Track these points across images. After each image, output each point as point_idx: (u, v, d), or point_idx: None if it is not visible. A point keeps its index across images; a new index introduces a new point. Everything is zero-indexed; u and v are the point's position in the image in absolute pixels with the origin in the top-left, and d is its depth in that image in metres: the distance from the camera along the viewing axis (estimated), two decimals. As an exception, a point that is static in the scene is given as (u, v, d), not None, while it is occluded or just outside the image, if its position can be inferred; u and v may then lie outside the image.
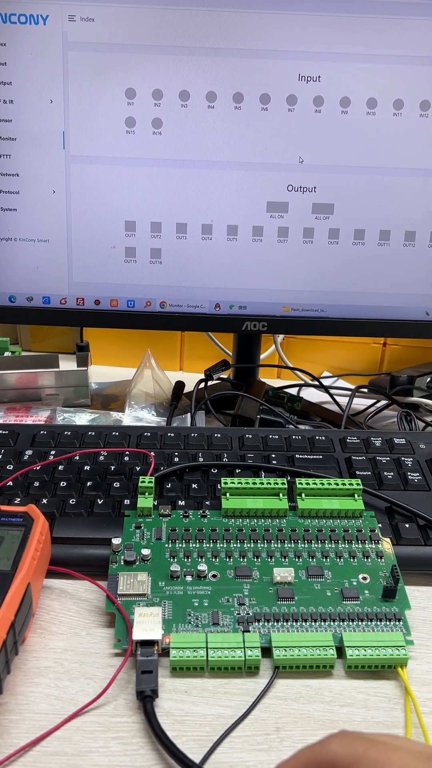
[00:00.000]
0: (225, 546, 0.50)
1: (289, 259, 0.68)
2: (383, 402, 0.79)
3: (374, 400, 0.80)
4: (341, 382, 0.86)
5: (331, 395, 0.78)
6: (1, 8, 0.61)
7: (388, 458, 0.60)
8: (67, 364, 0.78)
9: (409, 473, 0.58)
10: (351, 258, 0.68)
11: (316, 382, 0.80)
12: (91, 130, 0.64)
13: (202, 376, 0.75)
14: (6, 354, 0.78)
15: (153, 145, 0.65)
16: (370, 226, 0.67)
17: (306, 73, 0.63)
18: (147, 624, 0.43)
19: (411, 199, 0.66)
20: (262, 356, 0.83)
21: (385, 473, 0.58)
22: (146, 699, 0.39)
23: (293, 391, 0.81)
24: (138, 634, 0.42)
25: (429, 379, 0.79)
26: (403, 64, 0.62)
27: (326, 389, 0.79)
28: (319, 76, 0.63)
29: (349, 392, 0.76)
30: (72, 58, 0.62)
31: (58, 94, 0.63)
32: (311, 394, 0.82)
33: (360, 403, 0.80)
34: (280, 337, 0.86)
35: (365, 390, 0.80)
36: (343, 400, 0.75)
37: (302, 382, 0.83)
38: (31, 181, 0.66)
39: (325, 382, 0.83)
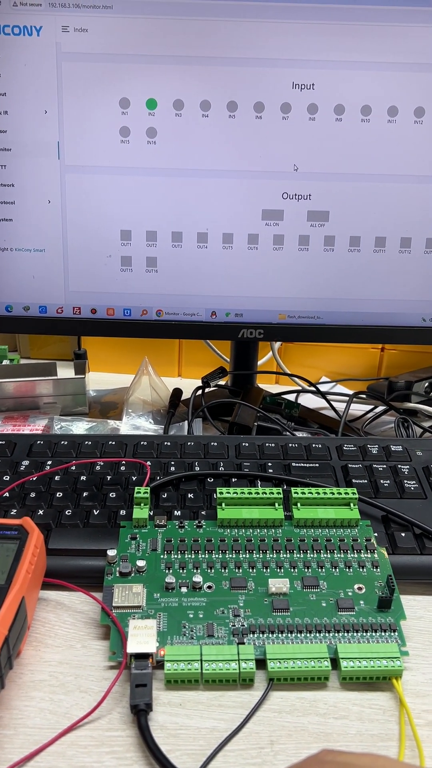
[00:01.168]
0: (220, 557, 0.50)
1: (285, 267, 0.68)
2: (381, 408, 0.78)
3: (372, 406, 0.80)
4: (339, 388, 0.86)
5: (328, 401, 0.78)
6: (-5, 20, 0.61)
7: (385, 466, 0.60)
8: (66, 371, 0.78)
9: (405, 481, 0.58)
10: (347, 265, 0.68)
11: (314, 388, 0.80)
12: (85, 140, 0.64)
13: (200, 383, 0.75)
14: (5, 362, 0.78)
15: (148, 154, 0.65)
16: (365, 233, 0.67)
17: (300, 80, 0.63)
18: (141, 637, 0.43)
19: (406, 206, 0.66)
20: (259, 362, 0.83)
21: (381, 481, 0.58)
22: (140, 713, 0.40)
23: (291, 397, 0.81)
24: (132, 647, 0.42)
25: (427, 384, 0.79)
26: (398, 70, 0.62)
27: (323, 395, 0.79)
28: (313, 84, 0.63)
29: (347, 398, 0.76)
30: (66, 68, 0.63)
31: (53, 104, 0.64)
32: (309, 400, 0.82)
33: (358, 408, 0.80)
34: (277, 344, 0.86)
35: (363, 396, 0.80)
36: (341, 406, 0.75)
37: (300, 388, 0.83)
38: (26, 191, 0.66)
39: (323, 388, 0.83)
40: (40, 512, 0.54)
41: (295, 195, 0.66)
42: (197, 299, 0.69)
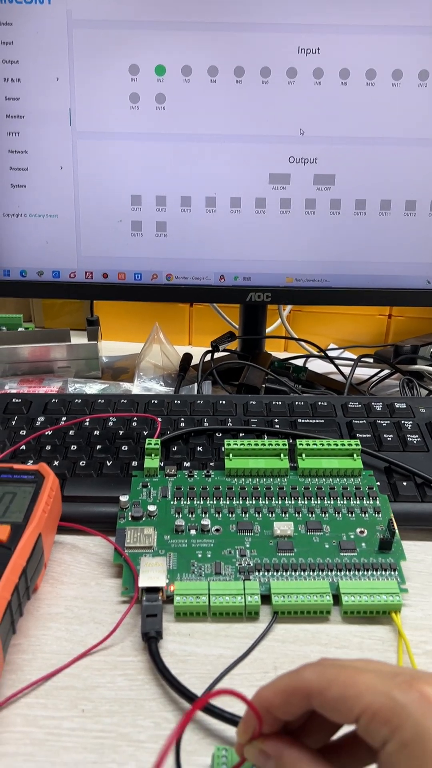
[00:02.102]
0: (228, 503, 0.52)
1: (292, 230, 0.70)
2: (387, 371, 0.80)
3: (379, 369, 0.81)
4: (348, 354, 0.87)
5: (335, 365, 0.80)
6: (7, -12, 0.63)
7: (389, 422, 0.62)
8: (79, 339, 0.80)
9: (408, 435, 0.60)
10: (352, 228, 0.69)
11: (322, 353, 0.82)
12: (96, 106, 0.66)
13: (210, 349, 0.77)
14: (20, 329, 0.80)
15: (157, 119, 0.66)
16: (370, 196, 0.68)
17: (305, 45, 0.64)
18: (152, 572, 0.45)
19: (411, 169, 0.67)
20: (268, 330, 0.85)
21: (384, 435, 0.60)
22: (151, 640, 0.42)
23: (299, 362, 0.82)
24: (144, 581, 0.45)
25: (432, 348, 0.80)
26: (402, 34, 0.63)
27: (331, 360, 0.80)
28: (318, 48, 0.64)
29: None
30: (77, 35, 0.64)
31: (64, 71, 0.65)
32: (317, 366, 0.83)
33: (365, 372, 0.82)
34: (286, 310, 0.88)
35: (369, 360, 0.82)
36: (348, 371, 0.77)
37: (308, 354, 0.85)
38: (39, 157, 0.68)
39: (331, 354, 0.84)
40: (56, 463, 0.56)
41: (302, 159, 0.67)
42: (206, 263, 0.71)
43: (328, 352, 0.84)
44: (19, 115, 0.67)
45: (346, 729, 0.31)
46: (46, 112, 0.66)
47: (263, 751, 0.31)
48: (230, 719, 0.37)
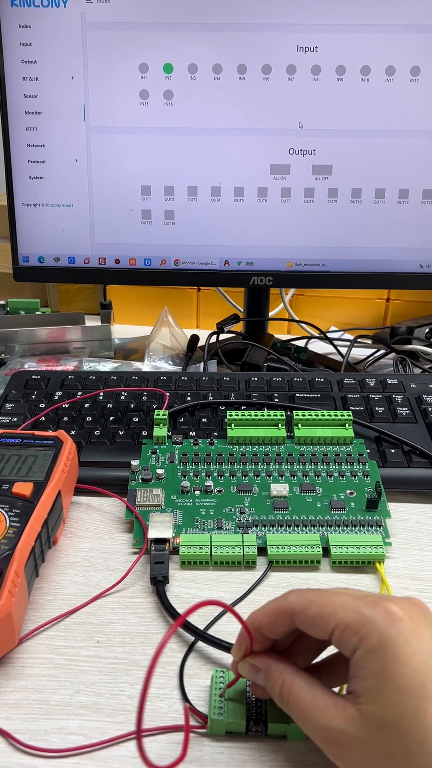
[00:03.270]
0: (229, 467, 0.57)
1: (292, 218, 0.74)
2: (383, 351, 0.84)
3: (375, 350, 0.86)
4: (347, 336, 0.92)
5: (334, 346, 0.84)
6: (26, -7, 0.67)
7: (381, 396, 0.66)
8: (93, 322, 0.85)
9: (398, 408, 0.64)
10: (349, 215, 0.74)
11: (322, 335, 0.86)
12: (108, 102, 0.71)
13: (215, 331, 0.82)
14: (38, 313, 0.85)
15: (165, 115, 0.71)
16: (366, 185, 0.73)
17: (304, 44, 0.68)
18: (160, 526, 0.50)
19: (404, 159, 0.72)
20: (271, 313, 0.89)
21: (376, 408, 0.64)
22: (158, 583, 0.47)
23: (300, 343, 0.87)
24: (152, 533, 0.50)
25: (427, 330, 0.84)
26: (394, 32, 0.67)
27: (330, 341, 0.85)
28: (316, 47, 0.68)
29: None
30: (90, 37, 0.69)
31: (78, 70, 0.70)
32: (318, 347, 0.88)
33: (363, 353, 0.86)
34: (288, 295, 0.92)
35: (366, 340, 0.86)
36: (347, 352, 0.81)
37: (309, 335, 0.89)
38: (55, 151, 0.73)
39: (332, 336, 0.89)
40: (73, 432, 0.61)
41: (301, 150, 0.72)
42: (211, 249, 0.76)
43: (328, 335, 0.88)
44: (36, 112, 0.71)
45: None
46: (62, 108, 0.71)
47: (254, 665, 0.36)
48: (227, 647, 0.42)
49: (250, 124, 0.71)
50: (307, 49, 0.68)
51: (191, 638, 0.43)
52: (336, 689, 0.35)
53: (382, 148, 0.71)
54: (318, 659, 0.38)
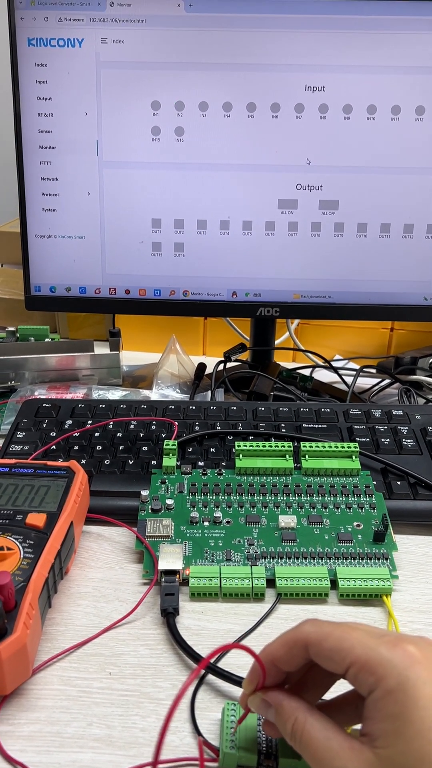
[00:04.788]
0: (238, 498, 0.58)
1: (299, 251, 0.76)
2: (387, 380, 0.85)
3: (380, 379, 0.87)
4: (352, 365, 0.93)
5: (339, 375, 0.85)
6: (44, 33, 0.69)
7: (386, 427, 0.67)
8: (101, 349, 0.86)
9: (404, 440, 0.65)
10: (355, 249, 0.75)
11: (327, 364, 0.88)
12: (121, 138, 0.73)
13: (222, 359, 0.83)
14: (47, 340, 0.86)
15: (176, 150, 0.73)
16: (371, 219, 0.74)
17: (312, 83, 0.70)
18: (170, 557, 0.51)
19: (409, 195, 0.73)
20: (277, 341, 0.90)
21: (382, 439, 0.65)
22: (169, 615, 0.48)
23: (306, 372, 0.88)
24: (163, 564, 0.50)
25: (431, 360, 0.85)
26: (400, 73, 0.69)
27: (335, 370, 0.86)
28: (323, 86, 0.70)
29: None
30: (104, 75, 0.71)
31: (92, 107, 0.72)
32: (323, 376, 0.89)
33: (367, 382, 0.87)
34: (294, 323, 0.94)
35: (371, 370, 0.87)
36: (352, 381, 0.83)
37: (314, 364, 0.90)
38: (69, 184, 0.74)
39: (336, 365, 0.90)
40: (83, 461, 0.62)
41: (308, 186, 0.74)
42: (220, 281, 0.77)
43: (333, 363, 0.90)
44: (51, 146, 0.73)
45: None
46: (76, 143, 0.73)
47: (264, 700, 0.36)
48: (238, 681, 0.42)
49: (258, 160, 0.73)
50: (314, 88, 0.70)
51: (202, 671, 0.44)
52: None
53: (387, 184, 0.73)
54: (328, 696, 0.38)
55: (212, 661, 0.45)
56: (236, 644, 0.34)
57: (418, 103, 0.70)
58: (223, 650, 0.32)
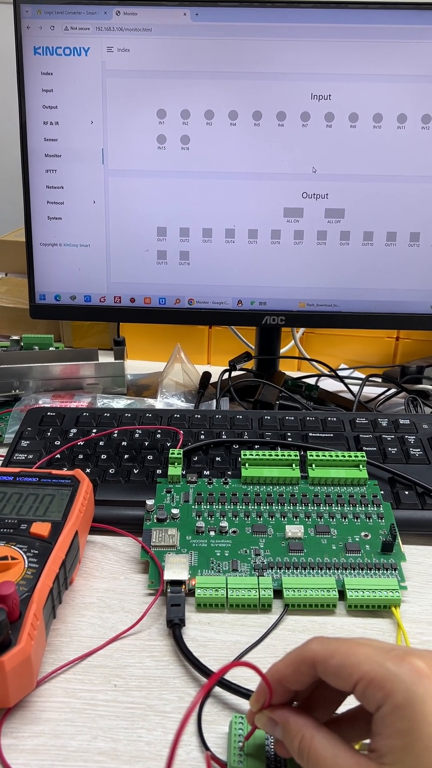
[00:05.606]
0: (244, 507, 0.57)
1: (305, 260, 0.75)
2: (393, 389, 0.85)
3: (386, 389, 0.86)
4: (357, 374, 0.93)
5: (345, 384, 0.85)
6: (50, 42, 0.70)
7: (393, 436, 0.67)
8: (106, 358, 0.86)
9: (411, 449, 0.65)
10: (361, 257, 0.75)
11: (333, 373, 0.87)
12: (127, 147, 0.72)
13: (227, 368, 0.83)
14: (51, 349, 0.86)
15: (182, 159, 0.73)
16: (378, 228, 0.74)
17: (318, 92, 0.70)
18: (176, 567, 0.51)
19: (415, 203, 0.73)
20: (282, 350, 0.90)
21: (389, 449, 0.65)
22: (175, 626, 0.47)
23: (311, 381, 0.87)
24: (168, 575, 0.50)
25: (437, 369, 0.85)
26: (406, 82, 0.69)
27: (341, 379, 0.85)
28: (329, 95, 0.70)
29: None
30: (110, 84, 0.71)
31: (98, 115, 0.72)
32: (328, 385, 0.89)
33: (373, 391, 0.87)
34: (299, 332, 0.93)
35: (377, 379, 0.87)
36: (357, 390, 0.82)
37: (319, 373, 0.90)
38: (74, 192, 0.74)
39: (342, 374, 0.89)
40: (88, 470, 0.61)
41: (314, 194, 0.73)
42: (225, 289, 0.77)
43: (338, 372, 0.89)
44: (56, 155, 0.73)
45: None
46: (81, 151, 0.73)
47: (271, 718, 0.36)
48: (246, 694, 0.42)
49: (264, 168, 0.73)
50: (320, 97, 0.70)
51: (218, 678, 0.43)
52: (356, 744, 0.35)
53: (393, 192, 0.73)
54: (338, 712, 0.37)
55: (219, 673, 0.44)
56: (243, 662, 0.34)
57: (424, 112, 0.70)
58: (231, 668, 0.31)
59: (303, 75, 0.70)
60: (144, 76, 0.70)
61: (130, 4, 0.69)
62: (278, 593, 0.50)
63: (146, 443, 0.65)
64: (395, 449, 0.65)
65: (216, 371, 0.85)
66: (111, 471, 0.62)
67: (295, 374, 0.91)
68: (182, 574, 0.50)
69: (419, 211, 0.73)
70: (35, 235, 0.76)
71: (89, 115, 0.72)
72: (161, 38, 0.69)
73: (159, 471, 0.62)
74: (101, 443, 0.65)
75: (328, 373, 0.89)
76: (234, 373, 0.84)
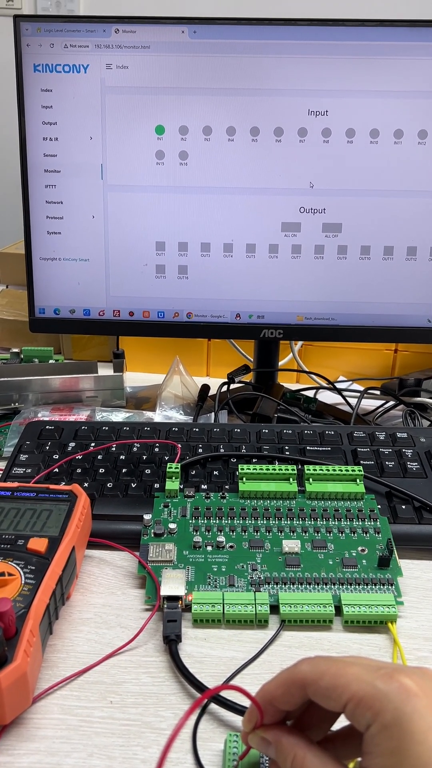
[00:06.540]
0: (241, 522, 0.57)
1: (302, 273, 0.76)
2: (392, 402, 0.85)
3: (384, 401, 0.86)
4: (356, 386, 0.93)
5: (343, 397, 0.85)
6: (49, 60, 0.70)
7: (391, 450, 0.67)
8: (105, 370, 0.86)
9: (408, 463, 0.65)
10: (358, 272, 0.75)
11: (331, 385, 0.88)
12: (125, 162, 0.73)
13: (226, 380, 0.83)
14: (50, 361, 0.86)
15: (180, 174, 0.73)
16: (375, 242, 0.74)
17: (315, 108, 0.71)
18: (173, 583, 0.51)
19: (412, 218, 0.74)
20: (280, 363, 0.90)
21: (386, 463, 0.65)
22: (171, 642, 0.47)
23: (309, 393, 0.88)
24: (165, 590, 0.50)
25: (435, 381, 0.85)
26: (402, 98, 0.70)
27: (339, 391, 0.86)
28: (326, 111, 0.71)
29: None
30: (109, 100, 0.72)
31: (97, 131, 0.72)
32: (327, 398, 0.89)
33: (371, 404, 0.87)
34: (297, 345, 0.94)
35: (375, 391, 0.87)
36: (356, 402, 0.82)
37: (318, 386, 0.90)
38: (73, 207, 0.75)
39: (340, 386, 0.90)
40: (86, 484, 0.62)
41: (311, 209, 0.74)
42: (223, 303, 0.77)
43: (336, 385, 0.89)
44: (55, 170, 0.74)
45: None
46: (80, 167, 0.74)
47: (264, 738, 0.36)
48: (241, 711, 0.42)
49: (262, 183, 0.73)
50: (318, 113, 0.71)
51: (203, 701, 0.43)
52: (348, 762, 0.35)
53: (390, 207, 0.73)
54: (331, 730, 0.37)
55: (215, 689, 0.44)
56: (231, 686, 0.34)
57: (420, 127, 0.71)
58: (219, 690, 0.31)
59: (300, 91, 0.70)
60: (143, 93, 0.71)
61: (129, 22, 0.69)
62: (275, 609, 0.50)
63: (144, 457, 0.66)
64: (392, 463, 0.65)
65: (215, 384, 0.85)
66: (109, 485, 0.62)
67: (294, 386, 0.91)
68: (179, 590, 0.50)
69: (416, 226, 0.74)
70: (35, 249, 0.76)
71: (88, 130, 0.73)
72: (160, 55, 0.70)
73: (157, 485, 0.62)
74: (99, 457, 0.65)
75: (326, 385, 0.89)
76: (233, 386, 0.84)
